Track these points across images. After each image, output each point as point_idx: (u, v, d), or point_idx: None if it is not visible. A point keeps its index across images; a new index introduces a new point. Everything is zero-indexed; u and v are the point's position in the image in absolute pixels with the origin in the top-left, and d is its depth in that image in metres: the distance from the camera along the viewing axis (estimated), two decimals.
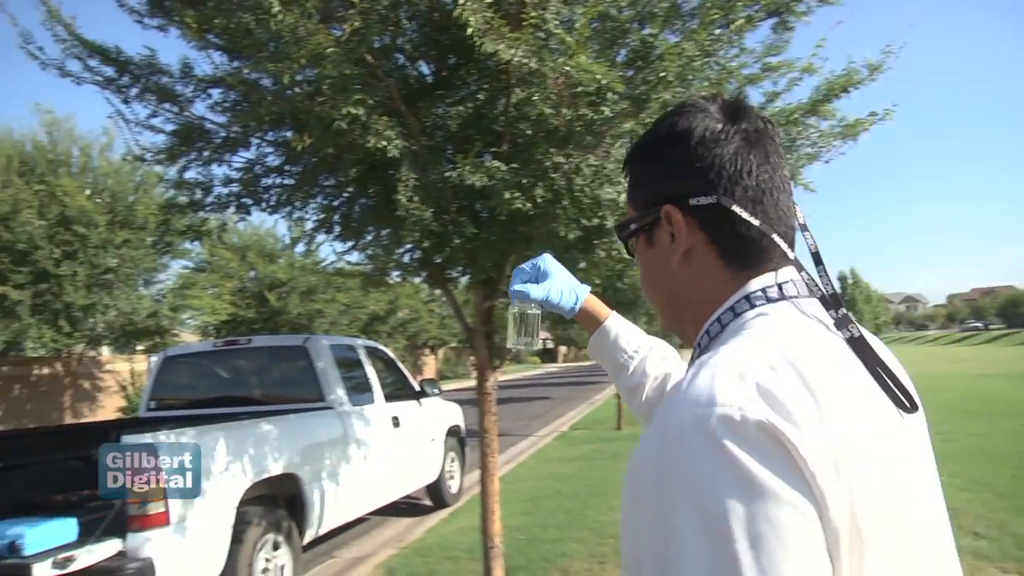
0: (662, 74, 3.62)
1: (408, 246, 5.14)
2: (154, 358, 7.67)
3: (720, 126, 0.99)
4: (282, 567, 5.46)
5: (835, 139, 4.44)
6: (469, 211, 4.39)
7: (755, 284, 0.98)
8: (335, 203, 5.29)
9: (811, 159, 4.53)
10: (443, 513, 8.98)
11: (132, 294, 19.67)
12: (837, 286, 0.96)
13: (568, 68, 3.35)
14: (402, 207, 3.91)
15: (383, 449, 7.31)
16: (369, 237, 5.29)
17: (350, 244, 5.51)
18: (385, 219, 4.59)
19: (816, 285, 0.97)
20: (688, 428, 0.77)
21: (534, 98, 3.70)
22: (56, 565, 3.92)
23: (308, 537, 5.98)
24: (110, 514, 4.26)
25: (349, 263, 6.44)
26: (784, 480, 0.74)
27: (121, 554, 4.24)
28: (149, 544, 4.27)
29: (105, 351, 23.77)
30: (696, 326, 1.04)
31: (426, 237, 4.37)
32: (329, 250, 27.14)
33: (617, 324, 1.61)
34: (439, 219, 4.28)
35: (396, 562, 6.60)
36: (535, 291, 1.56)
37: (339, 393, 6.85)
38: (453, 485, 9.62)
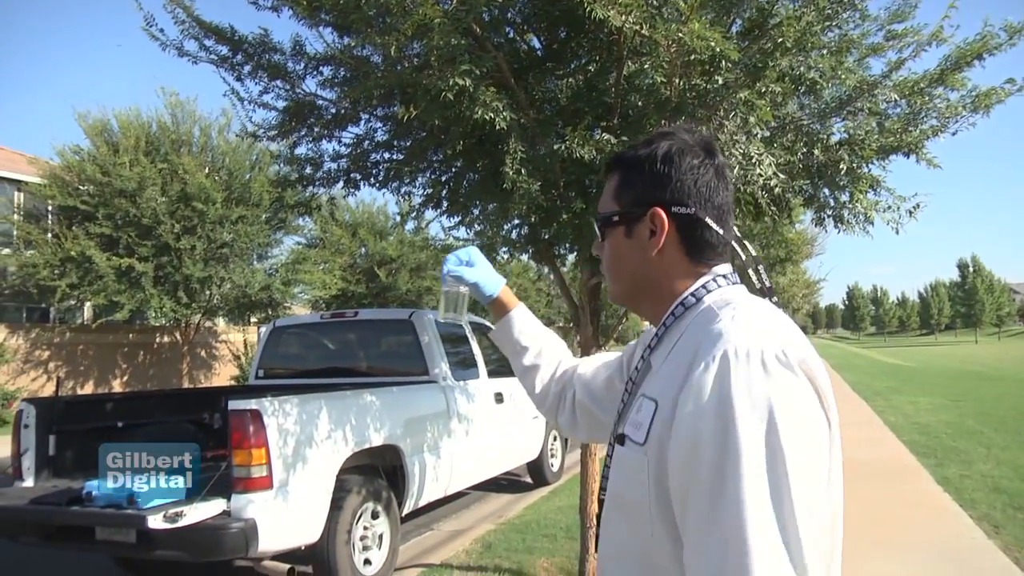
0: (780, 40, 3.44)
1: (515, 221, 5.10)
2: (264, 328, 7.89)
3: (700, 159, 1.31)
4: (380, 536, 5.53)
5: (965, 111, 4.12)
6: (578, 185, 4.31)
7: (717, 270, 1.29)
8: (443, 178, 5.30)
9: (936, 132, 4.23)
10: (543, 491, 8.99)
11: (246, 268, 20.39)
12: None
13: (681, 35, 3.22)
14: (509, 180, 3.86)
15: (485, 425, 7.32)
16: (476, 212, 5.28)
17: (457, 219, 5.52)
18: (492, 193, 4.55)
19: (759, 279, 1.35)
20: (743, 360, 1.03)
21: (646, 67, 3.58)
22: (167, 519, 4.08)
23: (407, 508, 6.05)
24: (216, 475, 4.40)
25: (457, 239, 6.45)
26: (813, 401, 1.05)
27: (226, 513, 4.38)
28: (252, 506, 4.39)
29: (220, 322, 24.77)
30: (654, 303, 1.34)
31: (533, 211, 4.31)
32: (438, 228, 27.48)
33: (523, 314, 1.90)
34: (547, 193, 4.21)
35: (494, 537, 6.62)
36: (469, 274, 1.85)
37: (443, 367, 6.89)
38: (554, 463, 9.61)
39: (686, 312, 1.26)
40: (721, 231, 1.30)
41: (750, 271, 1.35)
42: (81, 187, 18.65)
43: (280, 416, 4.62)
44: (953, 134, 4.21)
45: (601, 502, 1.34)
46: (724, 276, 1.29)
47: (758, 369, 1.02)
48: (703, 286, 1.27)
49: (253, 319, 23.33)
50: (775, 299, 1.28)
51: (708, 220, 1.28)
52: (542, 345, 1.86)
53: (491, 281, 1.87)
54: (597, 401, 1.71)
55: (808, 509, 0.98)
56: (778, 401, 1.00)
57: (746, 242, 1.36)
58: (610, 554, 1.26)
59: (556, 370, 1.84)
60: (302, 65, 4.96)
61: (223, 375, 23.88)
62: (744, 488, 0.97)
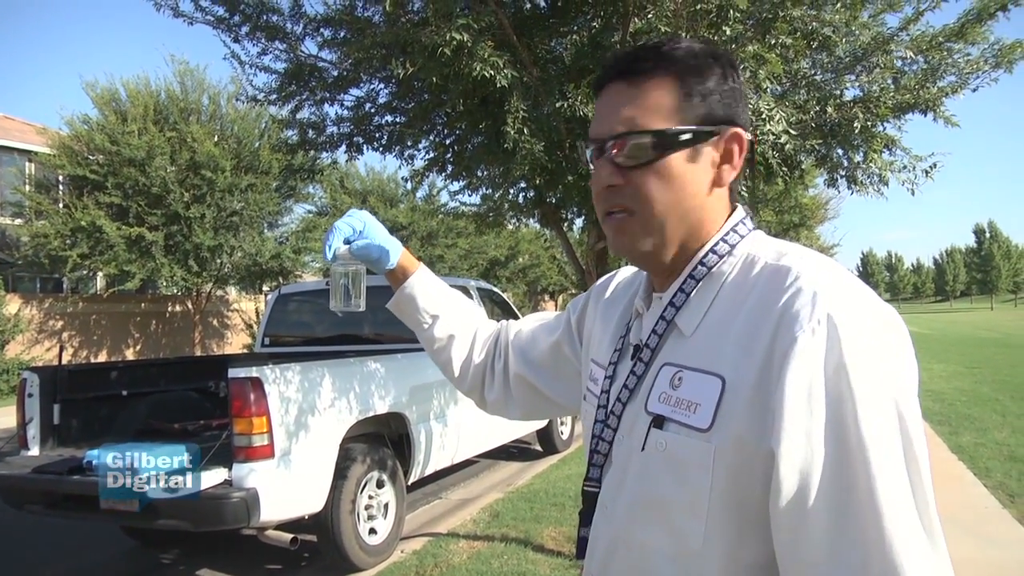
0: None
1: (521, 184, 5.01)
2: (270, 296, 7.83)
3: (742, 76, 1.11)
4: (385, 505, 5.49)
5: (986, 66, 3.96)
6: None
7: (741, 213, 1.10)
8: (447, 140, 5.22)
9: (955, 89, 4.07)
10: (553, 459, 8.95)
11: (257, 236, 20.40)
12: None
13: None
14: (511, 139, 3.76)
15: None
16: (481, 175, 5.20)
17: (463, 183, 5.44)
18: (496, 155, 4.46)
19: None
20: (855, 324, 0.87)
21: (650, 16, 3.45)
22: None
23: (413, 477, 6.00)
24: (217, 444, 4.35)
25: (463, 204, 6.37)
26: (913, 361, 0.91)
27: (227, 482, 4.33)
28: (253, 475, 4.33)
29: (232, 291, 24.86)
30: (681, 250, 1.08)
31: (538, 173, 4.22)
32: (448, 195, 27.53)
33: (428, 278, 1.59)
34: (551, 155, 4.11)
35: (502, 506, 6.58)
36: (372, 244, 1.51)
37: None
38: (564, 431, 9.55)
39: (719, 262, 1.05)
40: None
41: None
42: (90, 157, 18.65)
43: (282, 384, 4.56)
44: (973, 90, 4.06)
45: (590, 496, 1.15)
46: (749, 217, 1.10)
47: (872, 334, 0.88)
48: (733, 230, 1.07)
49: (264, 287, 23.40)
50: None
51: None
52: (453, 311, 1.60)
53: (393, 247, 1.55)
54: (538, 371, 1.50)
55: (931, 481, 0.87)
56: (897, 369, 0.88)
57: None
58: (628, 569, 1.05)
59: (474, 340, 1.60)
60: (301, 26, 4.88)
61: (235, 343, 24.00)
62: (876, 476, 0.83)
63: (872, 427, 0.84)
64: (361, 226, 1.52)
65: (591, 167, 1.14)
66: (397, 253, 1.56)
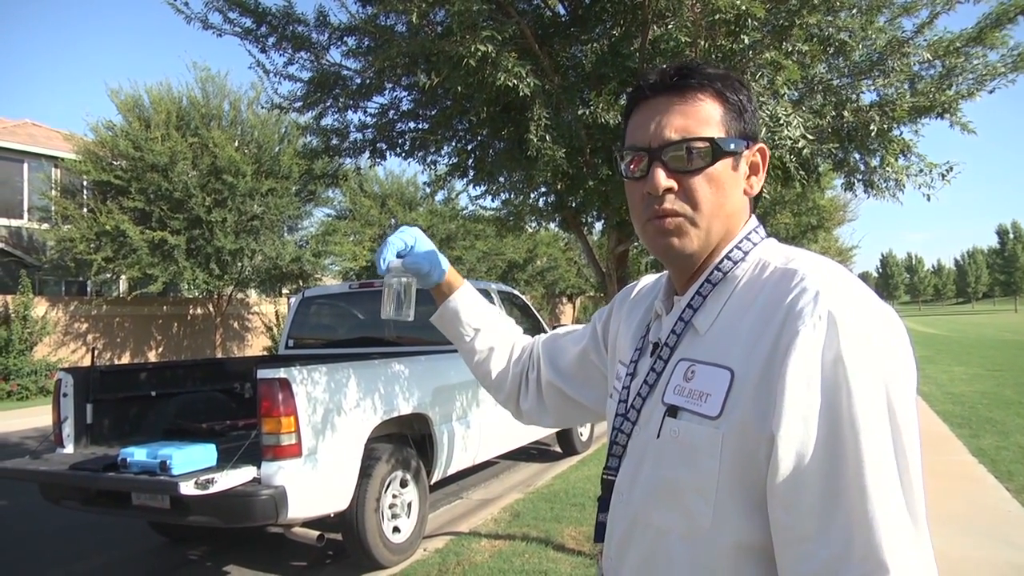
0: None
1: (542, 189, 5.08)
2: (293, 299, 7.93)
3: None
4: (409, 504, 5.58)
5: (1005, 70, 3.98)
6: (604, 152, 4.27)
7: (754, 221, 1.21)
8: (469, 146, 5.29)
9: (971, 92, 4.11)
10: (572, 460, 9.00)
11: (277, 240, 20.52)
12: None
13: None
14: (533, 146, 3.84)
15: None
16: (503, 180, 5.27)
17: (484, 188, 5.51)
18: (518, 161, 4.54)
19: None
20: (854, 320, 0.95)
21: (669, 26, 3.52)
22: (198, 485, 4.13)
23: (436, 477, 6.09)
24: (246, 443, 4.46)
25: (484, 208, 6.45)
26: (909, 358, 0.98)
27: (256, 480, 4.43)
28: (282, 472, 4.44)
29: (252, 294, 25.02)
30: (715, 249, 1.17)
31: (559, 179, 4.29)
32: (467, 199, 27.58)
33: (472, 293, 1.69)
34: (572, 161, 4.18)
35: (522, 506, 6.64)
36: (425, 259, 1.60)
37: None
38: (583, 433, 9.60)
39: (733, 268, 1.14)
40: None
41: None
42: (114, 162, 18.84)
43: (309, 385, 4.66)
44: (990, 92, 4.09)
45: (609, 484, 1.23)
46: (762, 226, 1.21)
47: (870, 331, 0.95)
48: (747, 237, 1.17)
49: (284, 290, 23.57)
50: None
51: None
52: (494, 325, 1.70)
53: (440, 264, 1.65)
54: (568, 379, 1.59)
55: (920, 471, 0.95)
56: (892, 364, 0.95)
57: None
58: (645, 550, 1.12)
59: (512, 351, 1.70)
60: (326, 36, 4.97)
61: (256, 346, 24.17)
62: (865, 460, 0.91)
63: (864, 416, 0.92)
64: (412, 241, 1.60)
65: (626, 174, 1.22)
66: (444, 269, 1.65)
